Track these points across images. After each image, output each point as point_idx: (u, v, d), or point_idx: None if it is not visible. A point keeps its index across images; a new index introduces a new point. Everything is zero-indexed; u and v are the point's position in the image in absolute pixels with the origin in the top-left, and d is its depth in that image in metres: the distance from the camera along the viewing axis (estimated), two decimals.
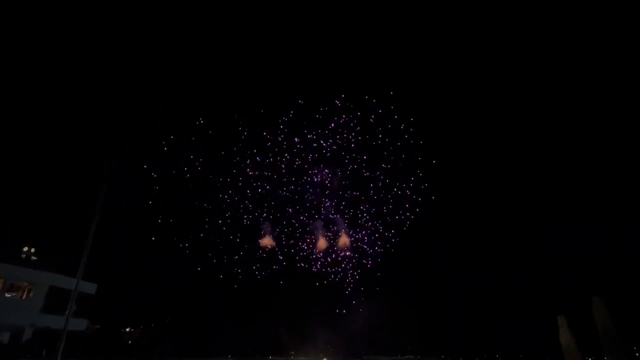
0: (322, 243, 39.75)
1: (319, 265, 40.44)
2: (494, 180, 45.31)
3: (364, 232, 41.73)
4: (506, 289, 41.56)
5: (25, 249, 33.93)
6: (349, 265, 40.79)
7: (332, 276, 41.33)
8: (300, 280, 41.34)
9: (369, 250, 41.48)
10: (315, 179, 42.06)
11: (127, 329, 41.47)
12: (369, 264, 41.43)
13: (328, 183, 42.68)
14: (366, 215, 42.08)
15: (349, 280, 41.24)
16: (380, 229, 42.08)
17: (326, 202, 42.32)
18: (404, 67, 45.07)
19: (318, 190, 42.15)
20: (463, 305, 42.26)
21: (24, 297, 31.90)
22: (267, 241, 40.08)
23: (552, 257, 39.79)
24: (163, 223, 44.08)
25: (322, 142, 43.97)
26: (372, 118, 41.54)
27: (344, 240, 39.97)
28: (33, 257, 34.08)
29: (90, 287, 34.09)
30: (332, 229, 41.32)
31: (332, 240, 40.44)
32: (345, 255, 39.54)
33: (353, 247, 39.63)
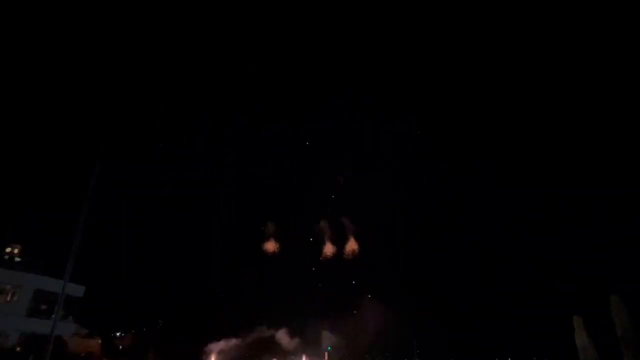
0: (328, 248, 39.03)
1: (325, 270, 39.62)
2: (506, 176, 44.67)
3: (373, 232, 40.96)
4: (517, 289, 40.81)
5: (9, 249, 32.56)
6: (356, 270, 40.06)
7: (339, 279, 40.59)
8: (304, 286, 40.58)
9: (378, 254, 40.75)
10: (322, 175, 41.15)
11: (118, 334, 40.22)
12: (377, 267, 40.74)
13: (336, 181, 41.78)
14: (376, 218, 41.39)
15: (356, 283, 40.54)
16: (390, 231, 41.41)
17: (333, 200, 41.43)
18: (404, 68, 44.44)
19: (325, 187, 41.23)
20: (474, 306, 41.50)
21: (7, 300, 30.54)
22: (270, 245, 39.22)
23: (566, 253, 39.10)
24: (156, 223, 43.04)
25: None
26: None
27: (352, 245, 39.24)
28: (17, 258, 32.70)
29: (77, 290, 32.75)
30: (339, 231, 40.45)
31: (340, 244, 39.69)
32: (352, 259, 38.81)
33: (360, 251, 38.88)
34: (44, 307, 30.39)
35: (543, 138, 42.37)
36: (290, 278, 41.31)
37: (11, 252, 32.92)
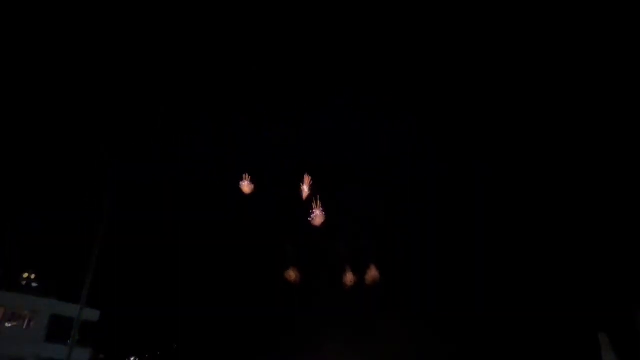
0: (349, 277, 38.78)
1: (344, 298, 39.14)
2: (529, 192, 43.77)
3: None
4: (537, 302, 39.34)
5: (26, 275, 32.92)
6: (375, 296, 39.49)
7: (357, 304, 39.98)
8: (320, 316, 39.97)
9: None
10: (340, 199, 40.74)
11: (133, 358, 40.08)
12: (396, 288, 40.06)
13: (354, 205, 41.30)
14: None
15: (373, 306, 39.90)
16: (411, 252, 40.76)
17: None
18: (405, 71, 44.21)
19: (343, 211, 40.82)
20: (490, 325, 40.16)
21: (24, 326, 30.76)
22: (292, 274, 38.90)
23: (590, 264, 37.69)
24: (171, 245, 43.09)
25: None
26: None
27: (373, 273, 38.87)
28: (34, 284, 33.03)
29: (93, 314, 32.74)
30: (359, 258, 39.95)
31: (360, 273, 39.33)
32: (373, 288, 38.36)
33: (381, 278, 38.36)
34: (60, 332, 30.50)
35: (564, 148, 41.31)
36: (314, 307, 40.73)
37: (28, 277, 33.25)
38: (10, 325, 29.76)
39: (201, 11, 37.93)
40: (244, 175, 37.22)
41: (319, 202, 43.18)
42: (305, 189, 41.17)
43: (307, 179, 42.67)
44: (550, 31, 39.29)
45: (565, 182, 41.30)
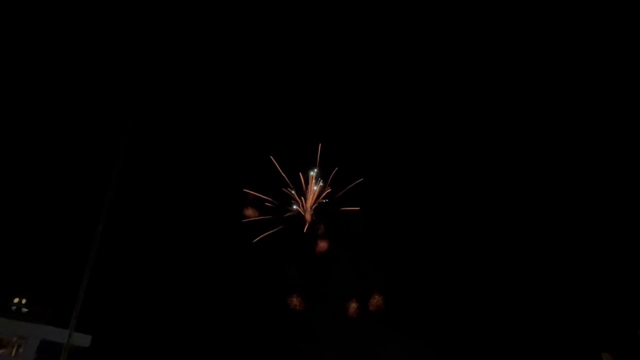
0: (353, 307, 38.73)
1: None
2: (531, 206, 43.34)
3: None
4: (540, 321, 38.50)
5: (16, 300, 32.22)
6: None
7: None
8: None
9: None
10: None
11: None
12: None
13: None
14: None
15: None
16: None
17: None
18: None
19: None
20: (491, 340, 39.23)
21: (13, 353, 29.92)
22: (295, 301, 38.82)
23: (594, 282, 37.02)
24: (168, 269, 42.29)
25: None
26: None
27: (376, 301, 38.80)
28: (24, 309, 32.29)
29: (84, 340, 31.88)
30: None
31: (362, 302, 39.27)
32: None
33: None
34: (50, 358, 29.65)
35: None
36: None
37: (18, 302, 32.55)
38: None
39: (200, 13, 38.29)
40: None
41: (322, 228, 43.45)
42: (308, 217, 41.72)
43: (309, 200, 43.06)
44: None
45: (574, 198, 41.03)
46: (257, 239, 42.69)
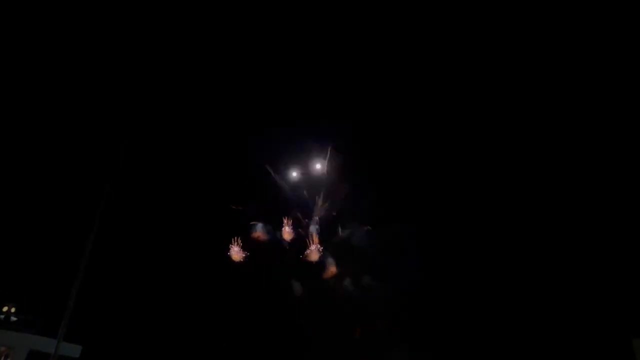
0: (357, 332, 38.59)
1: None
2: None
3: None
4: (566, 306, 37.36)
5: (5, 308, 31.82)
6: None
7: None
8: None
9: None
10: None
11: None
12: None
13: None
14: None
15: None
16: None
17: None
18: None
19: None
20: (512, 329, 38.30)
21: None
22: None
23: (622, 265, 36.13)
24: (163, 280, 41.89)
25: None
26: None
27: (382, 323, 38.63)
28: (13, 317, 31.88)
29: (74, 350, 31.48)
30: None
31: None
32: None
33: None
34: None
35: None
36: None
37: (7, 311, 32.15)
38: None
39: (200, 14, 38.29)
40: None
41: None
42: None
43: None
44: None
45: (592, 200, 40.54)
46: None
